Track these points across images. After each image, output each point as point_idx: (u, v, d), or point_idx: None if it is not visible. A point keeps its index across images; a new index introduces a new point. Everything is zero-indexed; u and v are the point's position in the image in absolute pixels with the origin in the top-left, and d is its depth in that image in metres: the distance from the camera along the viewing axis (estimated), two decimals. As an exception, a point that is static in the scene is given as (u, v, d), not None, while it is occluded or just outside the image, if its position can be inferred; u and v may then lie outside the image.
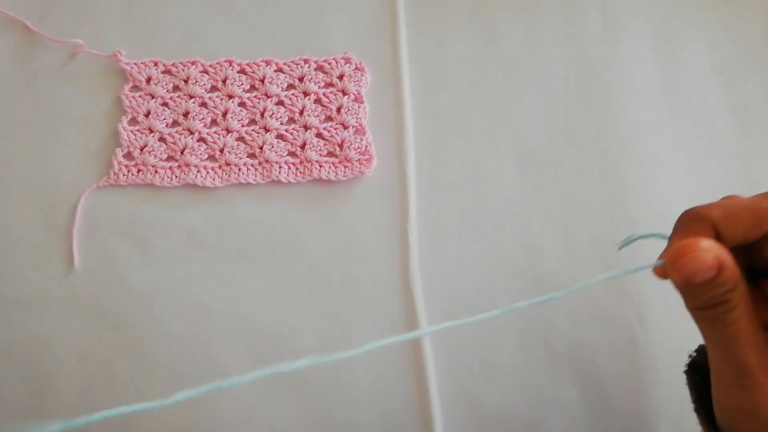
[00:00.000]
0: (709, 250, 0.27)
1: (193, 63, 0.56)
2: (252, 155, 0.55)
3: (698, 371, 0.34)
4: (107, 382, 0.49)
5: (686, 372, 0.36)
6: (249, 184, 0.54)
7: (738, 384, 0.28)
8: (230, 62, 0.56)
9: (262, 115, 0.55)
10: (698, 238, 0.28)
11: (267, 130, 0.55)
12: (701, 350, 0.35)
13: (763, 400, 0.28)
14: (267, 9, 0.58)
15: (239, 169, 0.54)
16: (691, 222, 0.30)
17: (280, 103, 0.56)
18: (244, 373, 0.49)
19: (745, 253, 0.30)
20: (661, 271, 0.30)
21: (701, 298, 0.28)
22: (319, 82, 0.56)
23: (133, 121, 0.55)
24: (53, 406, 0.49)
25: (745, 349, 0.28)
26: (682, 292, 0.29)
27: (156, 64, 0.56)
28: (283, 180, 0.54)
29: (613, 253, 0.52)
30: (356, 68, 0.56)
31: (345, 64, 0.56)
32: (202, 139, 0.55)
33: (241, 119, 0.55)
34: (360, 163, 0.54)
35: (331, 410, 0.49)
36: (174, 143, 0.54)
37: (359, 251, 0.52)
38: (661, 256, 0.31)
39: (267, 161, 0.54)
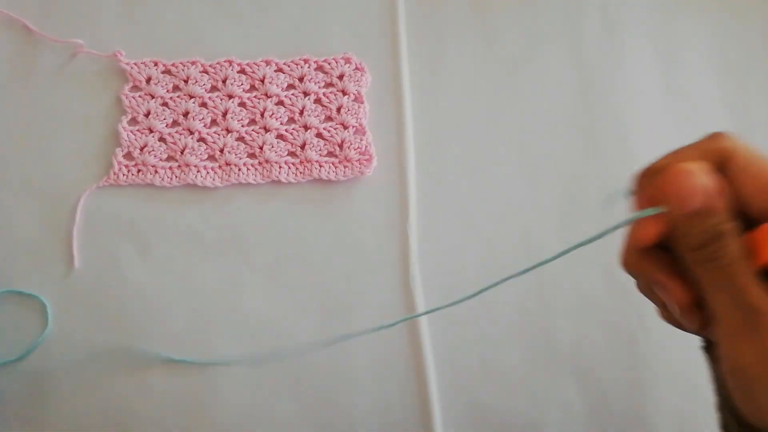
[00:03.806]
0: (701, 170, 0.26)
1: (193, 63, 0.56)
2: (252, 155, 0.55)
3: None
4: (107, 381, 0.49)
5: (704, 348, 0.33)
6: (249, 184, 0.54)
7: (749, 328, 0.26)
8: (230, 62, 0.56)
9: (262, 115, 0.55)
10: (683, 162, 0.27)
11: (267, 130, 0.55)
12: None
13: None
14: (267, 9, 0.58)
15: (239, 169, 0.54)
16: (650, 174, 0.29)
17: (280, 103, 0.56)
18: (247, 367, 0.49)
19: None
20: (648, 229, 0.28)
21: (697, 230, 0.26)
22: (319, 82, 0.56)
23: (133, 121, 0.55)
24: (53, 406, 0.49)
25: (751, 289, 0.26)
26: (675, 223, 0.27)
27: (156, 64, 0.56)
28: (283, 180, 0.54)
29: (610, 252, 0.52)
30: (356, 68, 0.56)
31: (345, 64, 0.56)
32: (202, 139, 0.55)
33: (241, 119, 0.55)
34: (360, 163, 0.54)
35: (331, 409, 0.49)
36: (174, 143, 0.55)
37: (359, 251, 0.52)
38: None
39: (267, 161, 0.54)
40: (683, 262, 0.28)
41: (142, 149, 0.54)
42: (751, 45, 0.58)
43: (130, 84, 0.56)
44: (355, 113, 0.55)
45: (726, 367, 0.28)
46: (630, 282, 0.34)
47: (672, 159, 0.28)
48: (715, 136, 0.29)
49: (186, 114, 0.55)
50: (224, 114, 0.55)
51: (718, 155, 0.28)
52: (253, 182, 0.54)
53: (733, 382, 0.28)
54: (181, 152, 0.54)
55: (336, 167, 0.54)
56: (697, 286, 0.28)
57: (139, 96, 0.56)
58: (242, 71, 0.56)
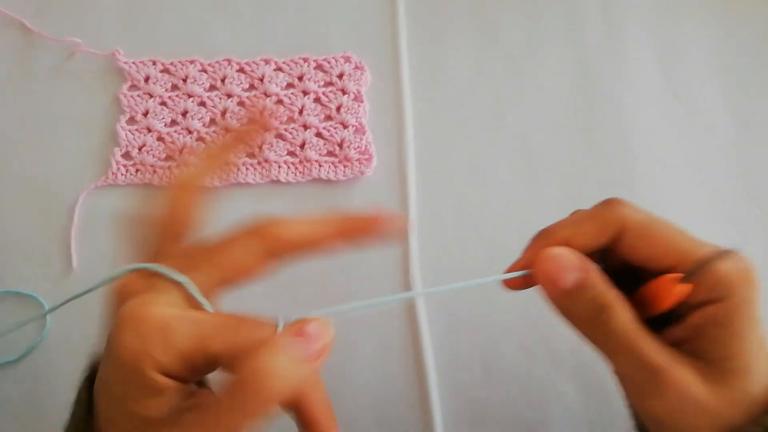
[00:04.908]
0: (569, 252, 0.29)
1: (191, 62, 0.56)
2: (251, 155, 0.54)
3: None
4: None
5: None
6: (248, 183, 0.54)
7: (654, 386, 0.27)
8: (229, 61, 0.56)
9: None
10: (553, 246, 0.29)
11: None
12: None
13: (682, 393, 0.27)
14: (266, 7, 0.58)
15: (238, 169, 0.54)
16: (542, 236, 0.32)
17: (280, 102, 0.56)
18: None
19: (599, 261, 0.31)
20: (516, 282, 0.31)
21: (580, 304, 0.28)
22: (318, 81, 0.56)
23: (132, 121, 0.55)
24: (51, 407, 0.49)
25: (648, 350, 0.27)
26: (557, 304, 0.30)
27: (154, 63, 0.56)
28: (283, 180, 0.53)
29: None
30: (356, 67, 0.56)
31: (345, 62, 0.56)
32: (200, 139, 0.55)
33: (241, 119, 0.55)
34: (360, 163, 0.54)
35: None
36: (172, 143, 0.54)
37: (359, 251, 0.52)
38: (514, 267, 0.32)
39: (266, 161, 0.54)
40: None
41: (140, 149, 0.54)
42: (752, 44, 0.58)
43: (129, 83, 0.56)
44: (354, 112, 0.55)
45: (638, 413, 0.30)
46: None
47: (569, 227, 0.31)
48: (609, 204, 0.30)
49: (185, 113, 0.55)
50: (223, 113, 0.55)
51: (614, 224, 0.30)
52: (253, 182, 0.54)
53: (648, 424, 0.30)
54: (180, 152, 0.54)
55: (336, 167, 0.54)
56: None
57: (138, 95, 0.55)
58: (241, 70, 0.56)
